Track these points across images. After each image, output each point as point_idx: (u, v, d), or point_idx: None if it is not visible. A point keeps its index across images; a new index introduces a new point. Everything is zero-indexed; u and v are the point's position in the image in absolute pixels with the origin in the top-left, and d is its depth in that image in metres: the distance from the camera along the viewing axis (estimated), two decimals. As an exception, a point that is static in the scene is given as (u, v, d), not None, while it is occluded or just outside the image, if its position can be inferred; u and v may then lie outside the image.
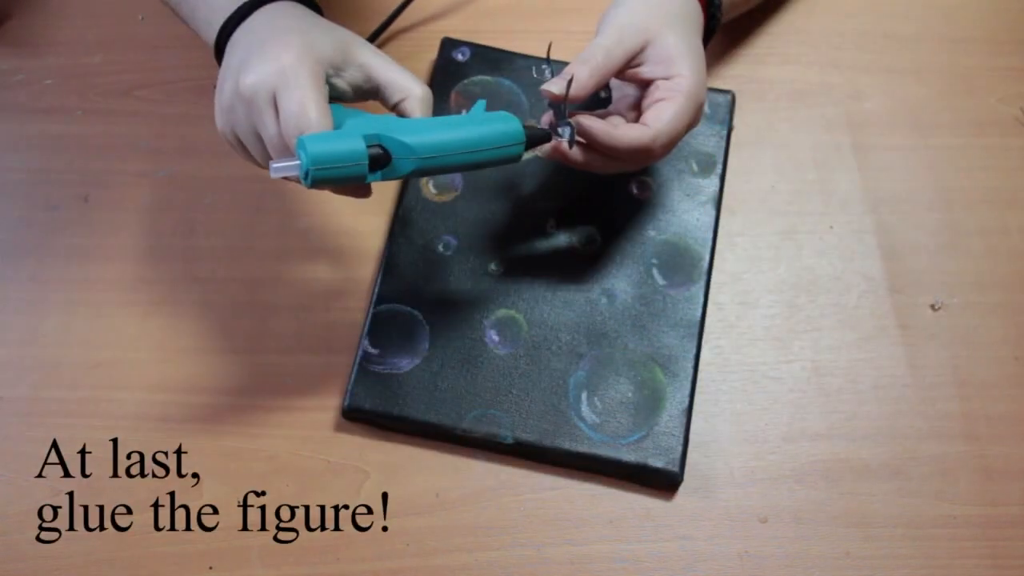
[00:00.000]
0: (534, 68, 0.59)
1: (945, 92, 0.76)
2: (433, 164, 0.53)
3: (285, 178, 0.52)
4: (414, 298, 0.66)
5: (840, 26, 0.79)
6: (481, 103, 0.58)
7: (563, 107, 0.57)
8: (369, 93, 0.58)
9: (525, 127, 0.56)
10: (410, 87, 0.57)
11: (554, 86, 0.57)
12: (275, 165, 0.50)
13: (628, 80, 0.61)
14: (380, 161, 0.52)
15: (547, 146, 0.59)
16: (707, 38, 0.65)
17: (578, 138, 0.58)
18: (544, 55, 0.60)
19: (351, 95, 0.57)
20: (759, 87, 0.76)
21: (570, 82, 0.56)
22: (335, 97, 0.57)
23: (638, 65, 0.60)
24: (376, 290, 0.66)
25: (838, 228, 0.71)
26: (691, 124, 0.60)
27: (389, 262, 0.67)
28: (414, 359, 0.64)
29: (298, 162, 0.50)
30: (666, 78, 0.59)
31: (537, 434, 0.62)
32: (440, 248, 0.68)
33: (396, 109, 0.57)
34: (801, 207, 0.71)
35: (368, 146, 0.51)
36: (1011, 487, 0.63)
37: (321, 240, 0.69)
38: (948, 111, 0.75)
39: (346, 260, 0.68)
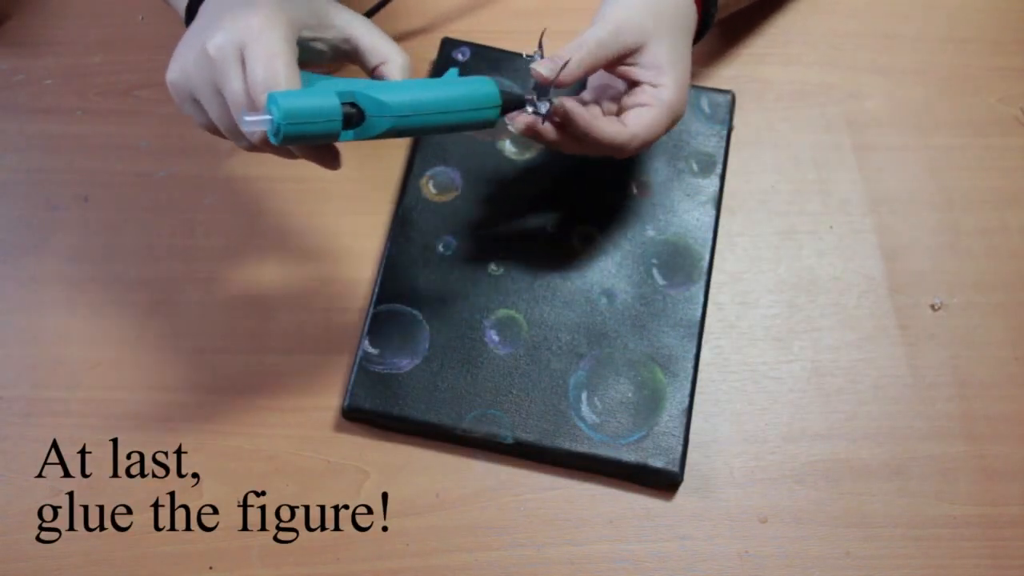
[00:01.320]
0: (524, 53, 0.59)
1: (945, 92, 0.76)
2: (408, 124, 0.52)
3: (255, 152, 0.51)
4: (414, 298, 0.66)
5: (840, 26, 0.79)
6: (453, 70, 0.57)
7: (549, 90, 0.57)
8: (348, 55, 0.58)
9: (502, 92, 0.56)
10: (390, 52, 0.56)
11: (544, 68, 0.57)
12: (248, 118, 0.49)
13: (616, 75, 0.62)
14: (353, 120, 0.51)
15: (520, 121, 0.58)
16: (700, 34, 0.65)
17: (555, 118, 0.58)
18: (536, 50, 0.59)
19: (329, 56, 0.57)
20: (759, 87, 0.76)
21: (564, 66, 0.56)
22: (311, 60, 0.56)
23: (630, 64, 0.60)
24: (376, 290, 0.66)
25: (838, 228, 0.71)
26: (667, 131, 0.61)
27: (389, 262, 0.67)
28: (414, 359, 0.64)
29: (269, 117, 0.49)
30: (652, 85, 0.60)
31: (537, 434, 0.62)
32: (440, 248, 0.67)
33: (375, 74, 0.57)
34: (801, 207, 0.71)
35: (341, 103, 0.50)
36: (1011, 487, 0.63)
37: (321, 240, 0.69)
38: (948, 111, 0.75)
39: (346, 260, 0.68)
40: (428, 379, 0.63)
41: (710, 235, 0.68)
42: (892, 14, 0.79)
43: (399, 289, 0.66)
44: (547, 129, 0.58)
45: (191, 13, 0.59)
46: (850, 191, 0.72)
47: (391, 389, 0.63)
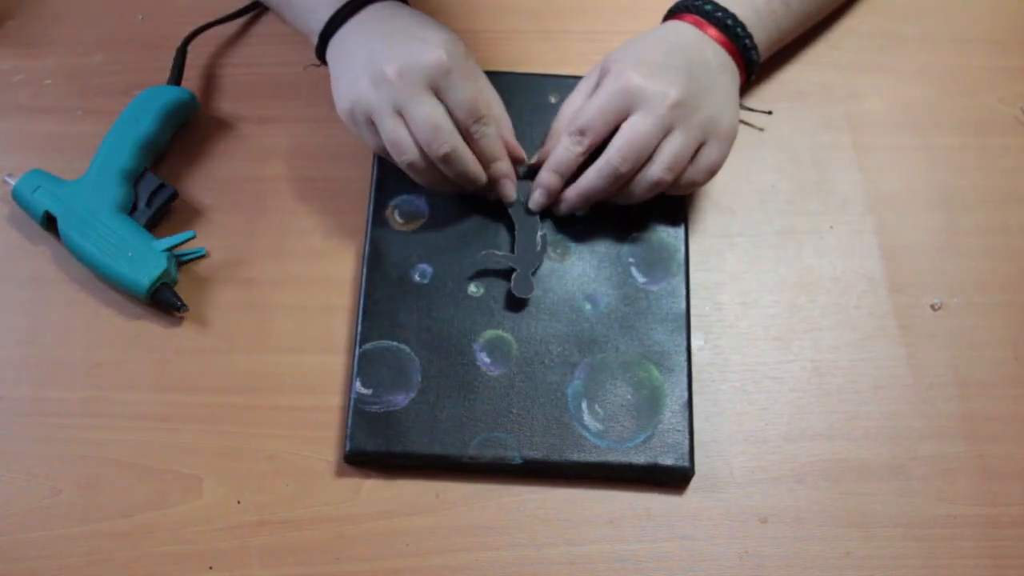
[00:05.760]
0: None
1: (945, 92, 0.76)
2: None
3: None
4: (399, 332, 0.64)
5: (840, 26, 0.79)
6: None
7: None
8: None
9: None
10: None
11: (533, 204, 0.66)
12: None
13: None
14: None
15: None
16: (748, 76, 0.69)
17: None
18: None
19: None
20: (759, 87, 0.76)
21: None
22: None
23: None
24: (359, 330, 0.64)
25: (838, 228, 0.71)
26: (631, 97, 0.64)
27: (367, 300, 0.65)
28: (409, 393, 0.63)
29: None
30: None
31: (544, 450, 0.61)
32: (416, 278, 0.66)
33: None
34: (801, 207, 0.71)
35: None
36: (1011, 487, 0.63)
37: (321, 240, 0.69)
38: (948, 111, 0.75)
39: (346, 260, 0.68)
40: (426, 411, 0.62)
41: (681, 225, 0.68)
42: (892, 14, 0.79)
43: (382, 325, 0.64)
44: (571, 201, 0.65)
45: (324, 41, 0.65)
46: (850, 191, 0.72)
47: (391, 427, 0.61)
